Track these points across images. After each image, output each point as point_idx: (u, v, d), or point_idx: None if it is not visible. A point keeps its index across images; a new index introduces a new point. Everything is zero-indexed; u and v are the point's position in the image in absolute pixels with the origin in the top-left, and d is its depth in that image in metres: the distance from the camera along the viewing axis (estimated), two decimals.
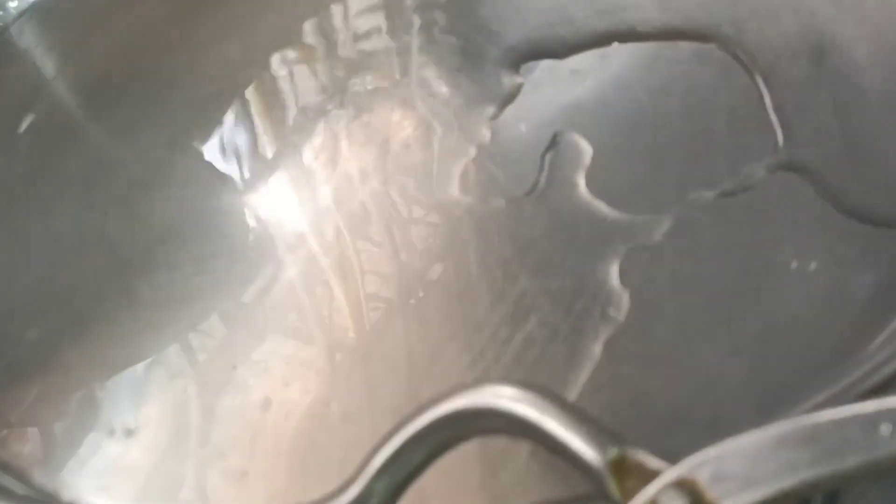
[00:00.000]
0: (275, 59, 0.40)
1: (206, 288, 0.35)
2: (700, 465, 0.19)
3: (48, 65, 0.44)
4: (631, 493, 0.20)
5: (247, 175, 0.37)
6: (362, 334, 0.31)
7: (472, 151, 0.35)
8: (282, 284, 0.34)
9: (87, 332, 0.35)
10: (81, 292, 0.36)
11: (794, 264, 0.28)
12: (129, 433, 0.32)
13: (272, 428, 0.30)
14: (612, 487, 0.20)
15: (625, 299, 0.29)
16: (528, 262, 0.31)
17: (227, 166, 0.38)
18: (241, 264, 0.35)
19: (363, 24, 0.40)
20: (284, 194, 0.36)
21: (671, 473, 0.19)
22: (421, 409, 0.22)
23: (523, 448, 0.27)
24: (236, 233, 0.36)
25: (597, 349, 0.28)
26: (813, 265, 0.28)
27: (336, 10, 0.41)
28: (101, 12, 0.44)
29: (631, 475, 0.20)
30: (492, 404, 0.21)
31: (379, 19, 0.40)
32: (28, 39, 0.45)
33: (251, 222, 0.36)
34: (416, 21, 0.39)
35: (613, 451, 0.20)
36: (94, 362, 0.34)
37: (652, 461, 0.20)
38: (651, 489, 0.19)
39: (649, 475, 0.20)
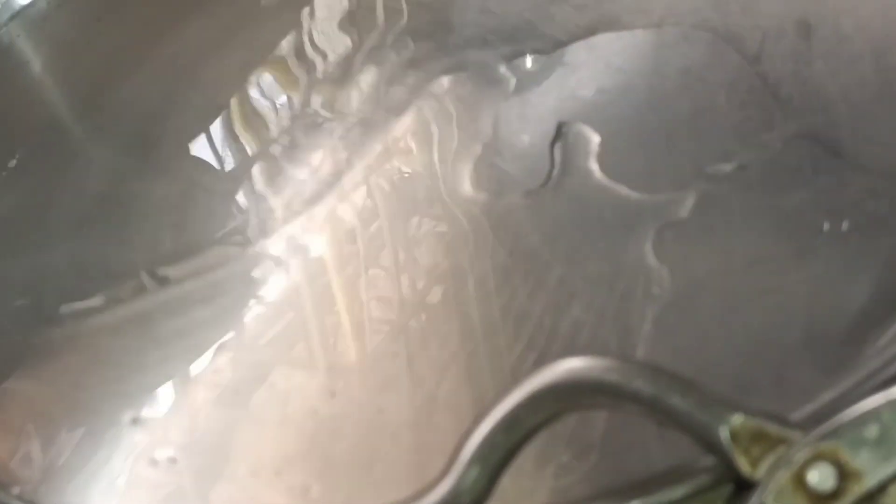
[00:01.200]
0: (266, 72, 0.37)
1: (221, 315, 0.32)
2: (835, 432, 0.17)
3: (35, 74, 0.40)
4: (757, 462, 0.18)
5: (251, 197, 0.35)
6: (403, 335, 0.29)
7: (478, 150, 0.33)
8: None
9: (105, 367, 0.32)
10: (97, 328, 0.33)
11: (825, 226, 0.27)
12: (172, 461, 0.29)
13: (323, 440, 0.28)
14: (740, 458, 0.18)
15: (665, 276, 0.27)
16: (559, 251, 0.29)
17: (232, 188, 0.35)
18: (253, 293, 0.32)
19: (347, 34, 0.38)
20: (292, 215, 0.34)
21: (808, 442, 0.17)
22: (512, 387, 0.19)
23: None
24: (248, 261, 0.33)
25: (647, 327, 0.26)
26: (845, 224, 0.27)
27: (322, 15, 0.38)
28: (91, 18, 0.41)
29: (754, 444, 0.18)
30: (599, 378, 0.19)
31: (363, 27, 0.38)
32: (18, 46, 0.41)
33: (260, 249, 0.33)
34: (399, 27, 0.37)
35: (737, 419, 0.18)
36: (119, 394, 0.32)
37: (774, 428, 0.18)
38: (792, 459, 0.17)
39: (774, 442, 0.18)
